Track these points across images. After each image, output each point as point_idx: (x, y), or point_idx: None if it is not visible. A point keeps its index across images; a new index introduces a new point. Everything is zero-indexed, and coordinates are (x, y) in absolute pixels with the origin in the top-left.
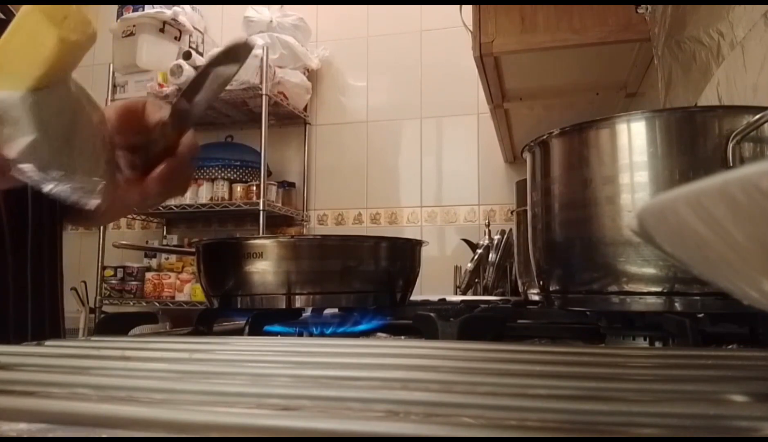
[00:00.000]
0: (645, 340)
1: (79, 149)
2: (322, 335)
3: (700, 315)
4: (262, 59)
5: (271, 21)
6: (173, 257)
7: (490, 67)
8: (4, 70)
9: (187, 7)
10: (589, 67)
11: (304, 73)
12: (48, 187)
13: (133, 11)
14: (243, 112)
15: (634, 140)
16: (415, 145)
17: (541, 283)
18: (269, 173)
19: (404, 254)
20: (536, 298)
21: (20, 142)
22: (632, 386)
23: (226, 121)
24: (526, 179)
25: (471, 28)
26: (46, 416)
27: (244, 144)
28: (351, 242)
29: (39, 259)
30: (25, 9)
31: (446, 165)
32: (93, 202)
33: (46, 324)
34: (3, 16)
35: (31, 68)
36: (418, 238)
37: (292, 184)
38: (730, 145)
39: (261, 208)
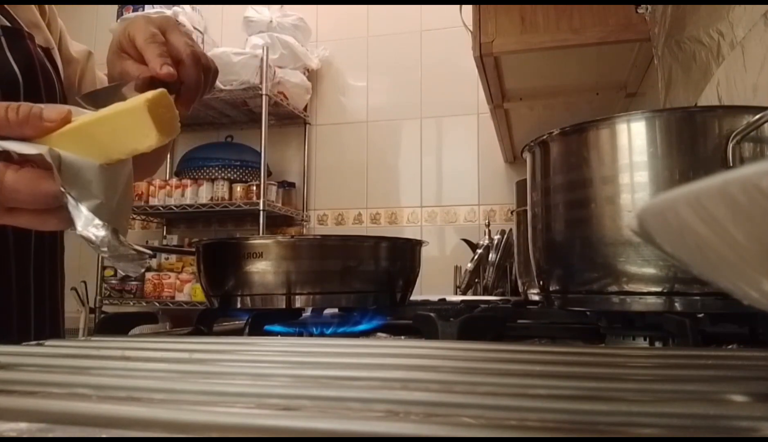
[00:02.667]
0: (645, 340)
1: (126, 218)
2: (322, 335)
3: (700, 315)
4: (262, 59)
5: (271, 21)
6: (173, 257)
7: (490, 67)
8: (96, 139)
9: (187, 7)
10: (589, 67)
11: (304, 73)
12: (102, 250)
13: (133, 11)
14: (243, 112)
15: (634, 140)
16: (415, 145)
17: (541, 283)
18: (269, 173)
19: (404, 254)
20: (536, 298)
21: (88, 203)
22: (632, 386)
23: (226, 121)
24: (526, 179)
25: (471, 28)
26: (46, 416)
27: (244, 144)
28: (351, 242)
29: (41, 260)
30: (139, 102)
31: (446, 165)
32: (137, 272)
33: (47, 325)
34: (8, 23)
35: (120, 149)
36: (418, 238)
37: (292, 184)
38: (730, 145)
39: (261, 208)
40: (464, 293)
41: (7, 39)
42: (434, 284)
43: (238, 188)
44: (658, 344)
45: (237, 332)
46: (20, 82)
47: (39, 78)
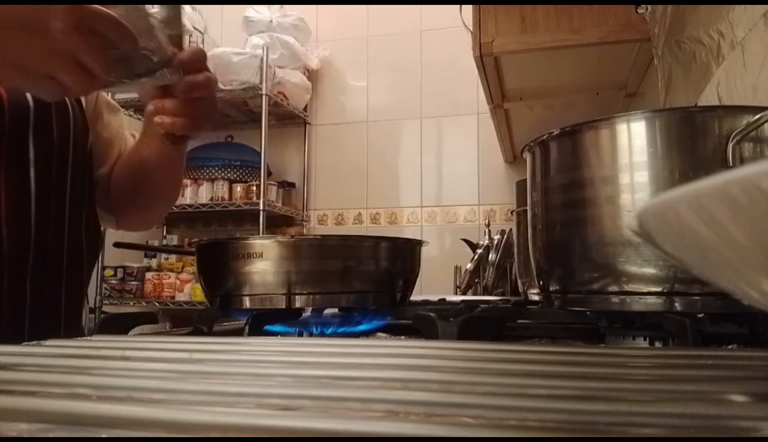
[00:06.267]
0: (645, 340)
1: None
2: (322, 335)
3: (700, 315)
4: (262, 59)
5: (271, 21)
6: (173, 257)
7: (490, 67)
8: None
9: (187, 7)
10: (589, 67)
11: (304, 73)
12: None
13: None
14: (243, 112)
15: (634, 140)
16: (415, 145)
17: (541, 283)
18: (269, 173)
19: (404, 254)
20: (536, 298)
21: None
22: (632, 386)
23: (226, 121)
24: (526, 179)
25: (471, 28)
26: (46, 416)
27: (244, 144)
28: (351, 242)
29: (87, 257)
30: None
31: (446, 165)
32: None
33: (74, 322)
34: None
35: None
36: (418, 238)
37: (292, 184)
38: (730, 145)
39: (261, 208)
40: (464, 293)
41: None
42: (434, 284)
43: (238, 188)
44: (658, 344)
45: (237, 332)
46: (31, 107)
47: (51, 107)
